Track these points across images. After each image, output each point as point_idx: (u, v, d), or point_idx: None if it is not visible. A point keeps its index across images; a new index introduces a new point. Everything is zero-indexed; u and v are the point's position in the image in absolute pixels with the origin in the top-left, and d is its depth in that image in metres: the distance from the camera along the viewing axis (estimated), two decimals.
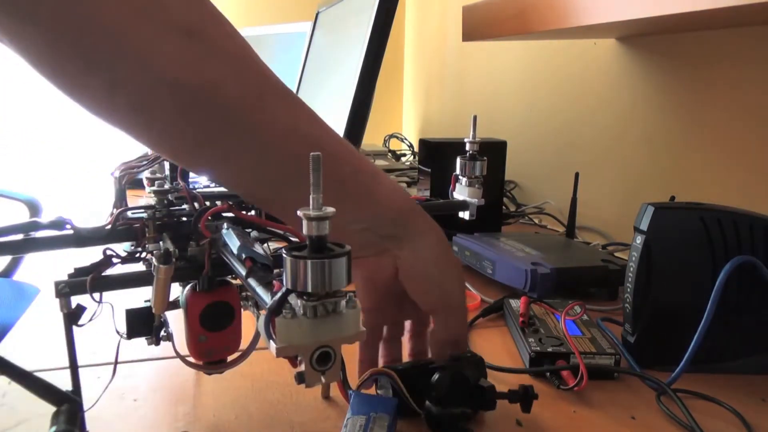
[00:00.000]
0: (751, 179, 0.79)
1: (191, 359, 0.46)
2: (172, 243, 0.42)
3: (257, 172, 0.40)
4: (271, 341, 0.29)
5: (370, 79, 0.84)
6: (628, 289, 0.57)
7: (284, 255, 0.29)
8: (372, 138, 1.82)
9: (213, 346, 0.45)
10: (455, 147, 0.89)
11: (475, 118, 0.61)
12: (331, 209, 0.28)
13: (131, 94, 0.35)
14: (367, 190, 0.43)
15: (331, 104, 1.00)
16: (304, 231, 0.28)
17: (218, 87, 0.36)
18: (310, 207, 0.28)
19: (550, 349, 0.54)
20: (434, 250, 0.45)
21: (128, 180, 0.50)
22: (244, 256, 0.36)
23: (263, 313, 0.30)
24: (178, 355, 0.45)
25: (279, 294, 0.29)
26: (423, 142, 1.02)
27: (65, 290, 0.39)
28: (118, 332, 0.44)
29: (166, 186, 0.45)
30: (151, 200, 0.46)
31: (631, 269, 0.56)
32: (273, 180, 0.40)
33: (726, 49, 0.82)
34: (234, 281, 0.46)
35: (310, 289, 0.28)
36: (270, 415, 0.47)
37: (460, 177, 0.61)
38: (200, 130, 0.37)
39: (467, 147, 0.61)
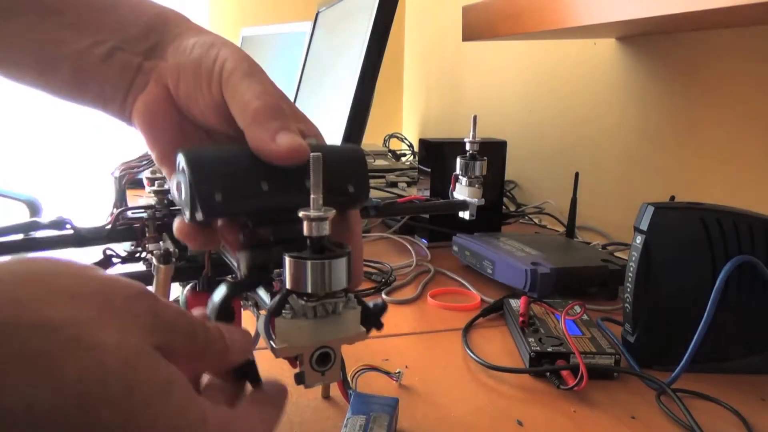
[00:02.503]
0: (751, 179, 0.79)
1: None
2: (172, 243, 0.42)
3: None
4: (270, 342, 0.29)
5: (370, 79, 0.84)
6: (628, 289, 0.57)
7: (284, 256, 0.28)
8: (372, 138, 1.82)
9: None
10: (455, 147, 0.88)
11: (475, 118, 0.61)
12: (331, 210, 0.28)
13: None
14: None
15: (331, 104, 1.00)
16: (305, 232, 0.28)
17: None
18: (310, 207, 0.28)
19: (550, 349, 0.54)
20: (209, 37, 0.34)
21: (128, 180, 0.50)
22: None
23: (263, 313, 0.30)
24: None
25: (279, 295, 0.29)
26: (423, 142, 1.02)
27: None
28: None
29: (166, 186, 0.46)
30: (151, 200, 0.46)
31: (631, 269, 0.56)
32: None
33: (726, 48, 0.82)
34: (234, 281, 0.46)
35: (309, 290, 0.28)
36: None
37: (460, 177, 0.61)
38: None
39: (467, 147, 0.61)
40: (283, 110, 0.32)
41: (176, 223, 0.33)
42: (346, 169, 0.33)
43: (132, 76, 0.34)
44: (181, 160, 0.30)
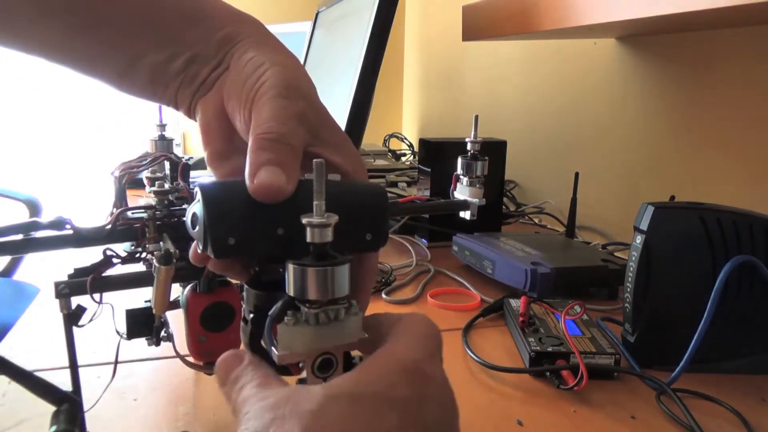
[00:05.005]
0: (751, 179, 0.79)
1: (191, 359, 0.46)
2: (173, 243, 0.42)
3: None
4: (272, 348, 0.29)
5: (370, 79, 0.84)
6: (628, 289, 0.57)
7: (287, 263, 0.28)
8: (372, 138, 1.82)
9: (213, 346, 0.45)
10: (455, 147, 0.88)
11: (476, 117, 0.61)
12: (334, 216, 0.28)
13: None
14: (189, 7, 0.36)
15: (331, 104, 1.00)
16: (308, 238, 0.28)
17: None
18: (313, 214, 0.28)
19: (550, 349, 0.54)
20: (265, 54, 0.34)
21: (128, 180, 0.49)
22: None
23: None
24: (178, 356, 0.45)
25: (281, 301, 0.29)
26: (423, 142, 1.02)
27: (65, 291, 0.39)
28: (118, 333, 0.44)
29: (167, 186, 0.45)
30: (151, 200, 0.45)
31: (631, 269, 0.56)
32: None
33: (726, 48, 0.82)
34: (234, 282, 0.46)
35: (312, 297, 0.28)
36: None
37: (462, 177, 0.61)
38: None
39: (468, 147, 0.61)
40: (284, 138, 0.31)
41: (192, 249, 0.33)
42: (366, 217, 0.32)
43: (199, 84, 0.36)
44: (198, 195, 0.30)
